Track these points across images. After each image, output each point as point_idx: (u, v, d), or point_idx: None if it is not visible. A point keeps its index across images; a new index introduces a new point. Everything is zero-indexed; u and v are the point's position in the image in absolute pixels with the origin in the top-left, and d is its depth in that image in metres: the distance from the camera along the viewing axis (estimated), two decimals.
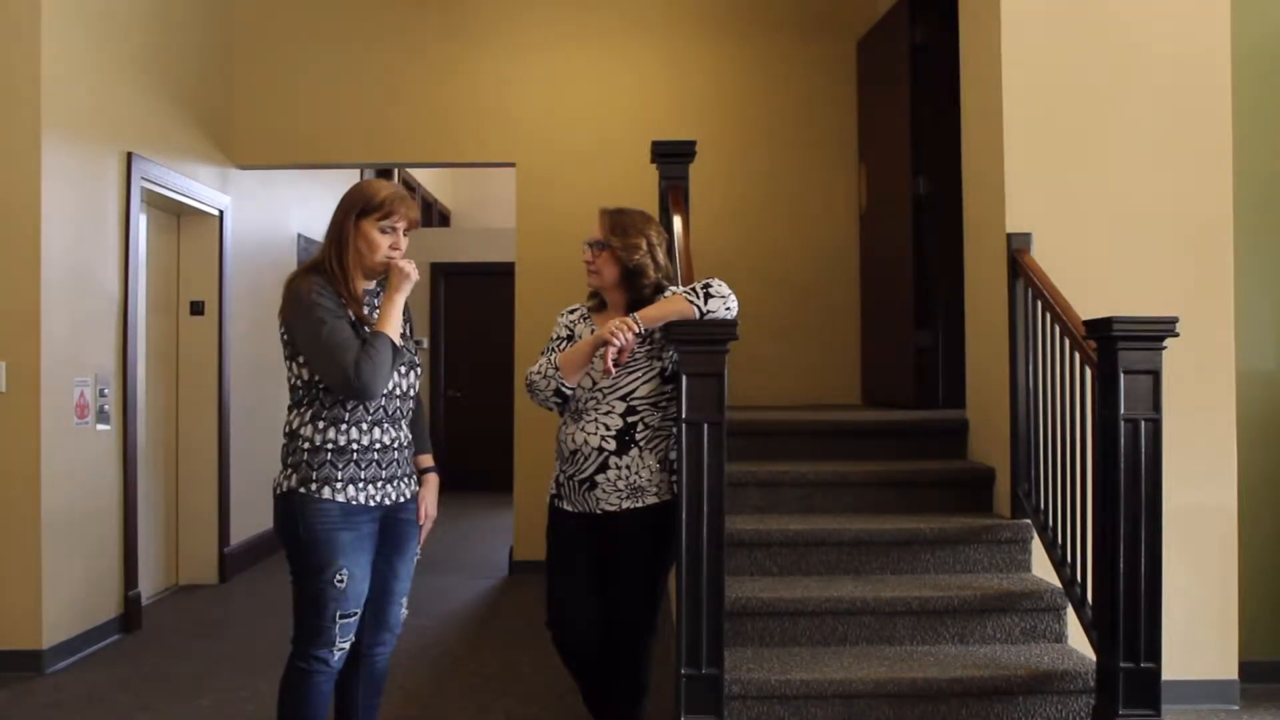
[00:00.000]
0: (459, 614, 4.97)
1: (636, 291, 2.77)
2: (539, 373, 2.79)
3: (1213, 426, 3.48)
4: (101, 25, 4.43)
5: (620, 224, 2.78)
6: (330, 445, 2.42)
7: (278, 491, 2.46)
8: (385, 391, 2.48)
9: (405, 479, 2.58)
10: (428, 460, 2.69)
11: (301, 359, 2.44)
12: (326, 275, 2.45)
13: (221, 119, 5.63)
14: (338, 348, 2.35)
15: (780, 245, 5.61)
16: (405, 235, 2.53)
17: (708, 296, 2.67)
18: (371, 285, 2.56)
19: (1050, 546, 3.23)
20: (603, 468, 2.72)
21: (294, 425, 2.47)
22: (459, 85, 5.76)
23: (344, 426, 2.44)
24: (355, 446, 2.45)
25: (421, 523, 2.65)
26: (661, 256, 2.80)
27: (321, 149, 5.76)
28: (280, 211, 6.47)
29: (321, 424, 2.42)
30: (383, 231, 2.48)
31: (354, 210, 2.47)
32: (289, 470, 2.43)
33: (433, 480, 2.68)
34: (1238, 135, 3.66)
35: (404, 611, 2.63)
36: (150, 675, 3.95)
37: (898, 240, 4.83)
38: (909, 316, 4.67)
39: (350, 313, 2.44)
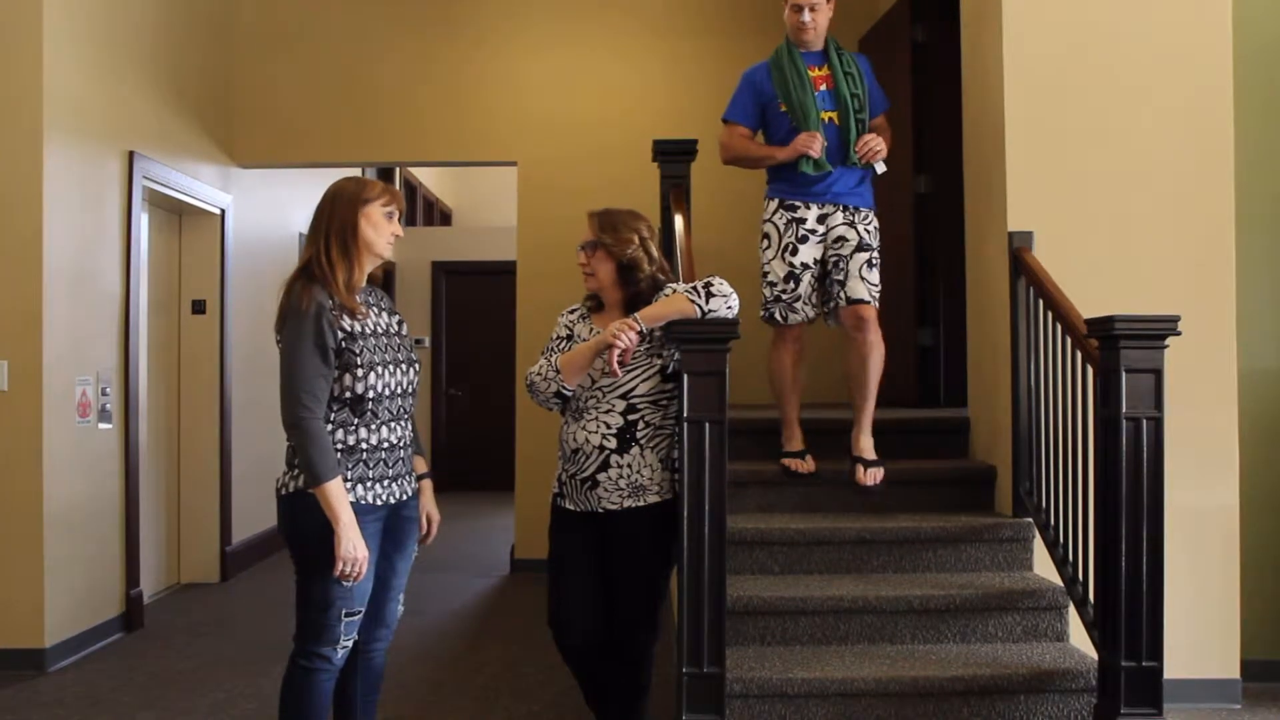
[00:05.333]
0: (460, 612, 4.98)
1: (633, 287, 2.77)
2: (539, 374, 2.79)
3: (1214, 425, 3.48)
4: (103, 25, 4.43)
5: (610, 222, 2.80)
6: (340, 446, 2.42)
7: (283, 492, 2.46)
8: (390, 391, 2.48)
9: (407, 476, 2.59)
10: (422, 465, 2.70)
11: None
12: (319, 278, 2.44)
13: (223, 118, 5.63)
14: (303, 377, 2.36)
15: None
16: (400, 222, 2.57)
17: (709, 295, 2.67)
18: (363, 284, 2.55)
19: (1052, 545, 3.23)
20: (604, 466, 2.72)
21: None
22: (460, 84, 5.76)
23: (353, 427, 2.44)
24: (365, 446, 2.45)
25: (427, 529, 2.67)
26: (654, 251, 2.81)
27: (323, 148, 5.76)
28: (282, 210, 6.48)
29: (329, 425, 2.42)
30: (387, 217, 2.51)
31: (357, 200, 2.48)
32: (295, 470, 2.43)
33: (428, 484, 2.69)
34: (1240, 133, 3.65)
35: (400, 608, 2.64)
36: (152, 674, 3.96)
37: (899, 238, 4.82)
38: (910, 315, 4.67)
39: (342, 322, 2.42)
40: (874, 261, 3.50)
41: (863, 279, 3.46)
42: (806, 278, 3.50)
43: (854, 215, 3.50)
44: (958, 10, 4.02)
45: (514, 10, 5.80)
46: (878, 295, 3.50)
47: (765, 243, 3.57)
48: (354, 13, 5.77)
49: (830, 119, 3.49)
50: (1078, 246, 3.49)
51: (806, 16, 3.50)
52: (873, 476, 3.45)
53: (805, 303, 3.51)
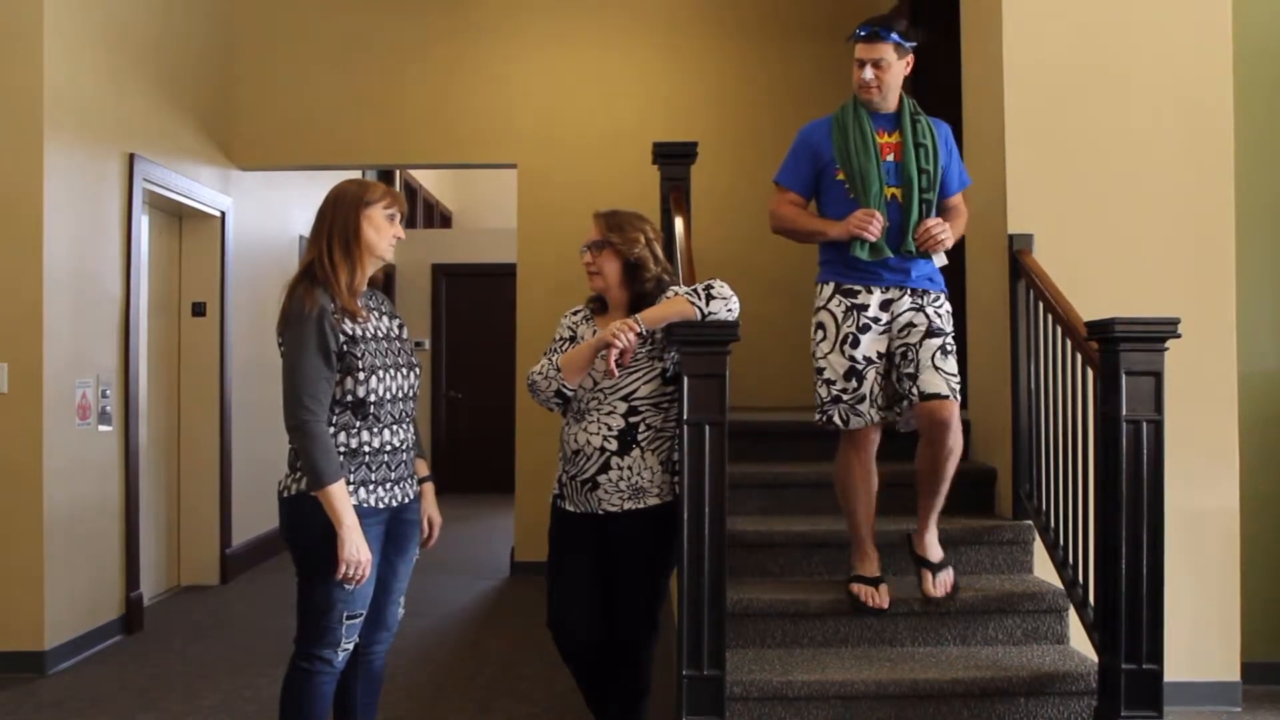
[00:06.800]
0: (460, 614, 4.98)
1: (639, 287, 2.78)
2: (540, 373, 2.79)
3: (1214, 427, 3.48)
4: (103, 27, 4.43)
5: (616, 222, 2.81)
6: (342, 449, 2.42)
7: (285, 495, 2.46)
8: (391, 395, 2.48)
9: (409, 479, 2.59)
10: (424, 468, 2.70)
11: None
12: (321, 280, 2.44)
13: (223, 120, 5.63)
14: (306, 380, 2.36)
15: (781, 246, 5.50)
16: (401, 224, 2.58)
17: (709, 298, 2.67)
18: (365, 286, 2.55)
19: (1052, 548, 3.23)
20: (604, 468, 2.72)
21: None
22: (460, 86, 5.77)
23: (355, 430, 2.44)
24: (367, 449, 2.46)
25: (429, 531, 2.67)
26: (659, 252, 2.82)
27: (323, 150, 5.76)
28: (282, 213, 6.48)
29: (332, 429, 2.42)
30: (389, 219, 2.51)
31: (359, 202, 2.48)
32: (297, 473, 2.43)
33: (429, 488, 2.69)
34: (1241, 135, 3.65)
35: (401, 611, 2.64)
36: (152, 676, 3.96)
37: None
38: None
39: (343, 325, 2.42)
40: (949, 348, 2.99)
41: (937, 369, 2.95)
42: (871, 374, 3.00)
43: (923, 299, 3.01)
44: (958, 11, 4.02)
45: (513, 10, 5.80)
46: (958, 387, 2.97)
47: (820, 334, 3.07)
48: (353, 16, 5.77)
49: (893, 195, 2.98)
50: (1078, 248, 3.49)
51: (869, 74, 2.96)
52: (942, 585, 3.04)
53: (870, 404, 3.00)
